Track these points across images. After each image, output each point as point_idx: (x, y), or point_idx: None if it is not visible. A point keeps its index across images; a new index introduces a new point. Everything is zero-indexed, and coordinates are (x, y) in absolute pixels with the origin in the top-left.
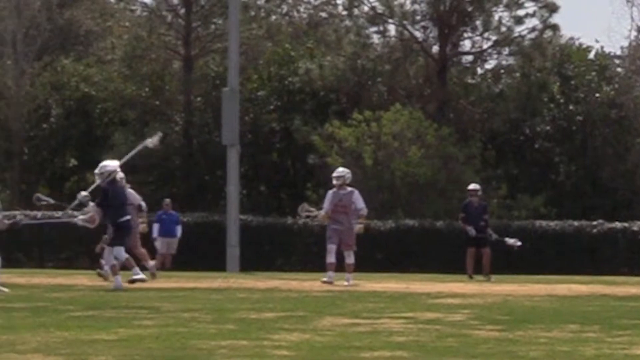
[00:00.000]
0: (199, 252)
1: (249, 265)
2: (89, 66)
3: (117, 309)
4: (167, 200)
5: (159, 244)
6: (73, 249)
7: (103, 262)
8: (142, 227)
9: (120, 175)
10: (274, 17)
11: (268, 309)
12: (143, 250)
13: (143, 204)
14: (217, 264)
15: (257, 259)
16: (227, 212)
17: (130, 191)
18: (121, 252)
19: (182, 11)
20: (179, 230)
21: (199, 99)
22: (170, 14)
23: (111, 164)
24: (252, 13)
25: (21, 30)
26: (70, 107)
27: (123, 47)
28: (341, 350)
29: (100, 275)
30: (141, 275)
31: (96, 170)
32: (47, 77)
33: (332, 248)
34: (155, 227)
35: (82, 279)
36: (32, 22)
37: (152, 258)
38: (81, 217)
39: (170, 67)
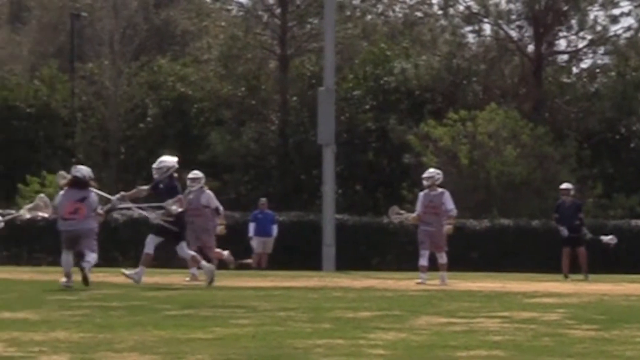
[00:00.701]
0: (295, 252)
1: (344, 264)
2: (185, 66)
3: (214, 308)
4: (263, 200)
5: (254, 243)
6: (169, 249)
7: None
8: (220, 229)
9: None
10: (369, 16)
11: (364, 308)
12: (218, 253)
13: (220, 207)
14: (312, 263)
15: (352, 258)
16: (322, 211)
17: (208, 193)
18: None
19: (278, 11)
20: (274, 229)
21: (294, 98)
22: (266, 13)
23: (170, 159)
24: (348, 13)
25: (118, 30)
26: (166, 106)
27: (219, 46)
28: (437, 349)
29: (192, 275)
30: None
31: (154, 165)
32: (144, 76)
33: (424, 253)
34: (251, 226)
35: (180, 278)
36: (129, 23)
37: (249, 257)
38: (170, 201)
39: (266, 66)
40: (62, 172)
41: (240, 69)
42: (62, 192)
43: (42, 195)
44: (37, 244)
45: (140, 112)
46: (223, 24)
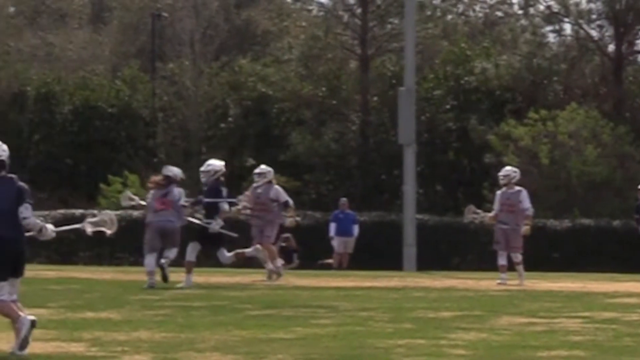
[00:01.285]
0: (376, 251)
1: (425, 264)
2: (266, 66)
3: (295, 307)
4: (344, 200)
5: (335, 243)
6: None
7: (270, 264)
8: (290, 222)
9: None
10: (449, 16)
11: (445, 308)
12: (274, 248)
13: (290, 200)
14: (393, 263)
15: (433, 258)
16: (403, 211)
17: (276, 188)
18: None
19: (359, 11)
20: (355, 229)
21: (375, 98)
22: (347, 13)
23: (218, 163)
24: (428, 13)
25: (199, 30)
26: (247, 106)
27: (300, 46)
28: (518, 349)
29: (270, 274)
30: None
31: (202, 168)
32: (225, 77)
33: (502, 253)
34: (332, 226)
35: (260, 277)
36: (210, 23)
37: (329, 257)
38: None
39: (346, 66)
40: (127, 193)
41: (321, 69)
42: (152, 192)
43: (108, 211)
44: (119, 244)
45: (221, 112)
46: (304, 24)
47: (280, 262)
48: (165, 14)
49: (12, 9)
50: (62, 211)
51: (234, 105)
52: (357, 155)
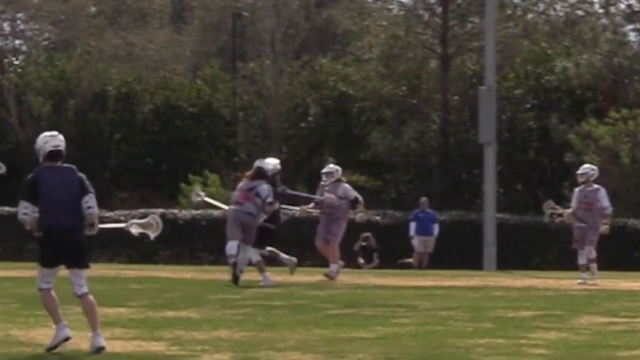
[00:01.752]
0: (456, 251)
1: (505, 263)
2: (346, 65)
3: (375, 307)
4: (424, 199)
5: (416, 242)
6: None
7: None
8: (360, 217)
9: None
10: (530, 15)
11: (525, 308)
12: (337, 249)
13: (359, 197)
14: (473, 263)
15: (513, 257)
16: (483, 210)
17: (344, 185)
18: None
19: (439, 10)
20: (435, 228)
21: (455, 97)
22: (427, 12)
23: (272, 162)
24: (509, 11)
25: (280, 29)
26: (328, 106)
27: (380, 46)
28: (598, 349)
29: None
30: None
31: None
32: (305, 76)
33: (581, 252)
34: (412, 225)
35: (340, 276)
36: (290, 22)
37: (409, 256)
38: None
39: (427, 65)
40: (196, 189)
41: (402, 68)
42: (241, 182)
43: (156, 215)
44: (199, 243)
45: (302, 111)
46: (384, 23)
47: (341, 263)
48: (246, 13)
49: (93, 9)
50: (142, 210)
51: (314, 104)
52: (437, 154)
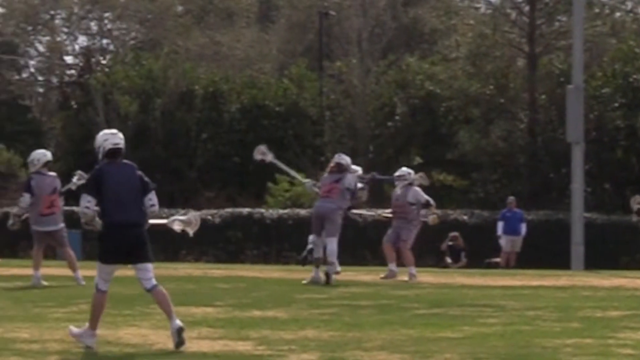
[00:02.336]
0: (543, 250)
1: (593, 263)
2: (433, 64)
3: (462, 307)
4: (511, 198)
5: (503, 241)
6: (419, 246)
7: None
8: (432, 219)
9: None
10: (618, 13)
11: (613, 308)
12: (411, 254)
13: (430, 200)
14: (561, 262)
15: (601, 257)
16: (571, 210)
17: (415, 189)
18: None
19: (526, 9)
20: (523, 228)
21: (543, 96)
22: (515, 11)
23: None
24: (597, 10)
25: (367, 29)
26: (415, 105)
27: (467, 44)
28: None
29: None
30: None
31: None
32: (392, 75)
33: None
34: (500, 225)
35: (427, 276)
36: (377, 21)
37: (497, 256)
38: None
39: (514, 64)
40: (262, 147)
41: (489, 67)
42: (324, 175)
43: (196, 213)
44: (286, 242)
45: (389, 110)
46: (471, 22)
47: (395, 270)
48: (332, 12)
49: (180, 8)
50: (229, 210)
51: (401, 103)
52: (525, 153)
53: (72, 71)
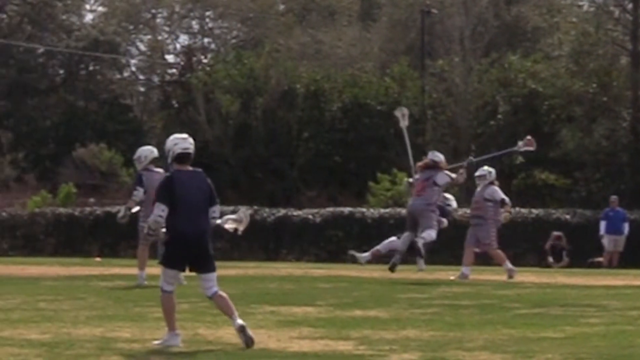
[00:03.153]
0: None
1: None
2: (536, 62)
3: (564, 307)
4: (614, 197)
5: (606, 241)
6: (520, 246)
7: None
8: (505, 217)
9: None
10: None
11: None
12: (499, 252)
13: (506, 198)
14: None
15: None
16: None
17: (493, 187)
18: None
19: (630, 6)
20: (626, 227)
21: None
22: (618, 9)
23: (487, 169)
24: None
25: (469, 27)
26: (517, 103)
27: (570, 43)
28: None
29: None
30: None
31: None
32: (494, 73)
33: None
34: (602, 224)
35: (529, 276)
36: (479, 19)
37: (599, 255)
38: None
39: (617, 62)
40: (404, 110)
41: (592, 65)
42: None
43: (246, 210)
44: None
45: (491, 109)
46: (574, 19)
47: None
48: (434, 10)
49: (282, 7)
50: (330, 209)
51: (503, 102)
52: (627, 152)
53: (174, 70)
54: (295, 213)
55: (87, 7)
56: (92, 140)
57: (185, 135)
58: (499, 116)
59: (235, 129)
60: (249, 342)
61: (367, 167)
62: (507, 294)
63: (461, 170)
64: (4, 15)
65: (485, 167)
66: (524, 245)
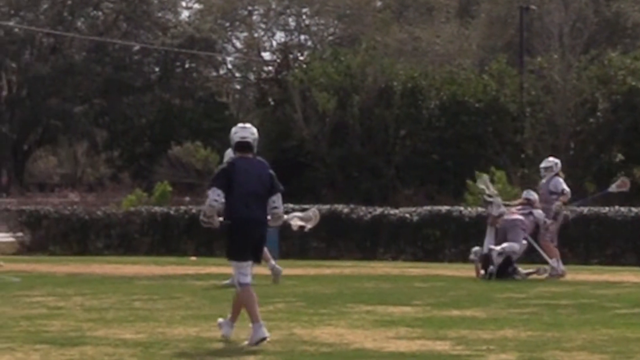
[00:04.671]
0: None
1: None
2: (636, 59)
3: None
4: None
5: None
6: (619, 245)
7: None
8: (557, 205)
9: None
10: None
11: None
12: (552, 246)
13: (567, 189)
14: None
15: None
16: None
17: (557, 179)
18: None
19: None
20: None
21: None
22: None
23: (553, 160)
24: None
25: (568, 23)
26: (617, 101)
27: None
28: None
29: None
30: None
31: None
32: (594, 70)
33: None
34: None
35: (629, 275)
36: (578, 15)
37: None
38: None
39: None
40: (484, 177)
41: None
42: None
43: (315, 209)
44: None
45: (590, 106)
46: None
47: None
48: (533, 7)
49: (379, 3)
50: (427, 208)
51: (602, 99)
52: None
53: (270, 67)
54: (392, 212)
55: (183, 4)
56: (187, 138)
57: (246, 125)
58: (598, 114)
59: (331, 127)
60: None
61: (465, 165)
62: (606, 293)
63: (551, 221)
64: (100, 13)
65: (551, 158)
66: (623, 244)
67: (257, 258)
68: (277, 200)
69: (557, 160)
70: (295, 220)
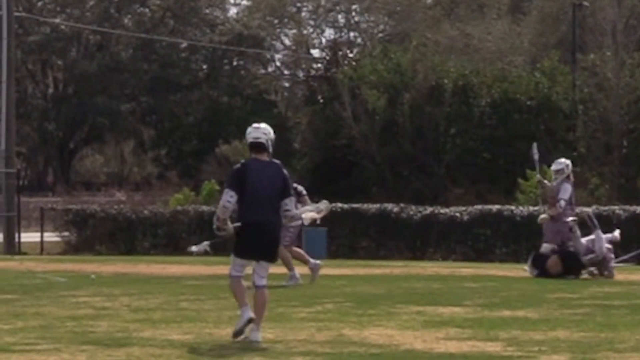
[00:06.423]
0: None
1: None
2: None
3: None
4: None
5: None
6: None
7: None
8: (547, 213)
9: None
10: None
11: None
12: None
13: (566, 197)
14: None
15: None
16: None
17: (565, 185)
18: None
19: None
20: None
21: None
22: None
23: (565, 161)
24: None
25: (621, 20)
26: None
27: None
28: None
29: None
30: None
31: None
32: None
33: None
34: None
35: None
36: (632, 12)
37: None
38: None
39: None
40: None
41: None
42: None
43: (326, 201)
44: (537, 240)
45: None
46: None
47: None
48: (586, 3)
49: (429, 0)
50: (478, 207)
51: None
52: None
53: (319, 65)
54: (442, 211)
55: (231, 0)
56: (235, 136)
57: (260, 125)
58: None
59: (381, 125)
60: (236, 334)
61: (516, 163)
62: None
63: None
64: (147, 10)
65: (562, 159)
66: None
67: (271, 258)
68: (289, 203)
69: (569, 162)
70: (307, 213)
